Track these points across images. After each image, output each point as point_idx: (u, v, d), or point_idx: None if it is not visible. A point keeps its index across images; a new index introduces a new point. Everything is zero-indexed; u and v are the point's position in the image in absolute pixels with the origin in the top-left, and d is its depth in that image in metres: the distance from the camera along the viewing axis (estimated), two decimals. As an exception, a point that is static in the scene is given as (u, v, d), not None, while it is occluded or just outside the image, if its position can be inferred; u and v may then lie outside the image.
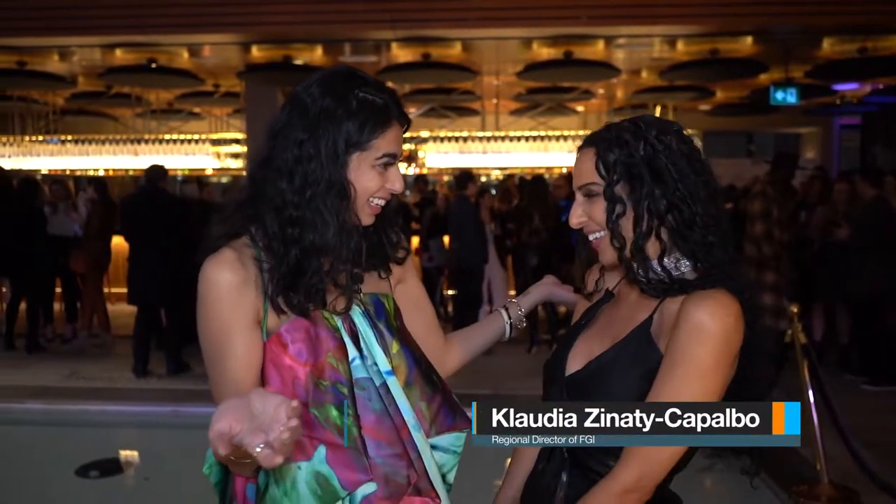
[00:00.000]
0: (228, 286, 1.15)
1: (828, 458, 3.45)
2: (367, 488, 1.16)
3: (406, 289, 1.39)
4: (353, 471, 1.14)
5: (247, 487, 1.19)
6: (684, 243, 1.16)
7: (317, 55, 8.31)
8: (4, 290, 7.27)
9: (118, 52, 8.12)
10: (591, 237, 1.24)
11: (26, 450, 4.59)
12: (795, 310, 3.62)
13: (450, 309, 7.74)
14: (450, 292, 7.69)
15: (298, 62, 8.38)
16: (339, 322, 1.21)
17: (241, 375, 1.15)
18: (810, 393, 3.49)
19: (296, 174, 1.17)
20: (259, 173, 1.21)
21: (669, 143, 1.18)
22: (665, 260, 1.18)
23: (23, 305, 6.66)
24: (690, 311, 1.10)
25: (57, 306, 7.29)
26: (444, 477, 1.28)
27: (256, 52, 8.21)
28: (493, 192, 10.16)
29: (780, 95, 7.86)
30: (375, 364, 1.22)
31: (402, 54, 8.23)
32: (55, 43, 7.79)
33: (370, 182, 1.21)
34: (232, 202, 1.26)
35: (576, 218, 1.24)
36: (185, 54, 8.38)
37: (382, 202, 1.25)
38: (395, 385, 1.22)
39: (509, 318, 1.54)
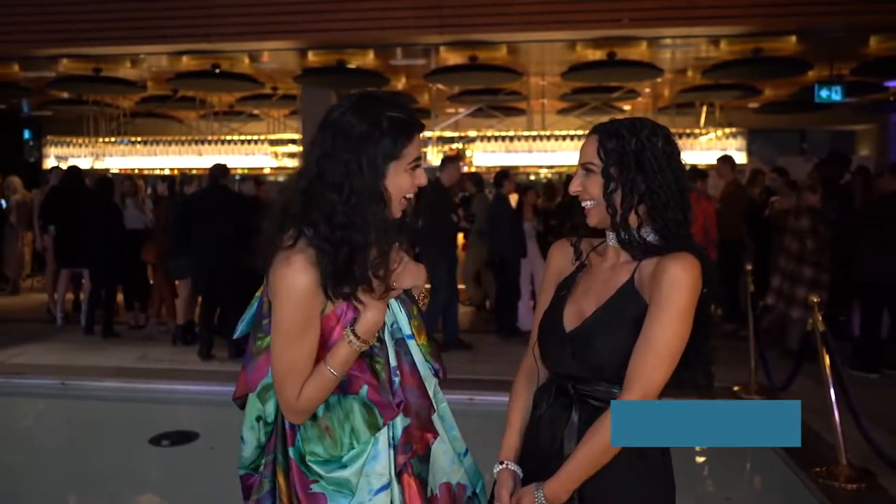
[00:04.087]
0: (306, 288, 1.41)
1: (847, 441, 3.60)
2: (404, 422, 1.51)
3: None
4: (386, 406, 1.49)
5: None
6: (659, 220, 1.48)
7: (369, 59, 8.66)
8: (84, 280, 7.82)
9: (185, 59, 8.64)
10: (584, 204, 1.55)
11: (106, 422, 5.06)
12: (816, 300, 3.78)
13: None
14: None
15: (351, 66, 8.76)
16: None
17: (312, 352, 1.46)
18: (830, 381, 3.64)
19: (344, 187, 1.43)
20: (311, 188, 1.46)
21: (656, 143, 1.49)
22: (641, 230, 1.50)
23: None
24: (668, 267, 1.41)
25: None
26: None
27: (312, 57, 8.60)
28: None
29: (824, 93, 7.84)
30: (401, 329, 1.56)
31: (450, 57, 8.50)
32: (128, 51, 8.34)
33: (405, 183, 1.50)
34: (282, 210, 1.49)
35: (574, 186, 1.55)
36: (246, 60, 8.85)
37: (411, 196, 1.55)
38: (413, 345, 1.56)
39: None
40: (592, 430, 1.44)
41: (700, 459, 4.60)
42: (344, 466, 1.47)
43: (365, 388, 1.49)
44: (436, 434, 1.56)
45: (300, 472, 1.49)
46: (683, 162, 1.53)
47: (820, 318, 3.67)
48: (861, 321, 5.74)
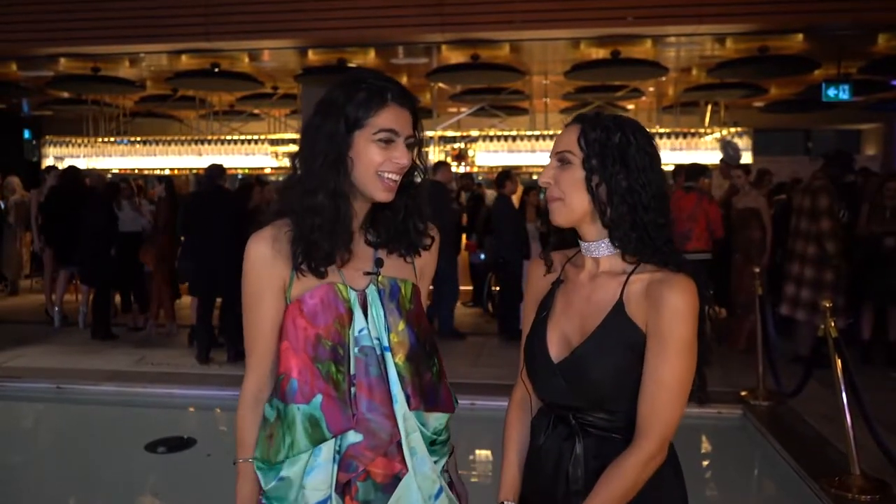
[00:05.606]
0: (262, 258, 1.40)
1: (860, 450, 3.50)
2: (354, 437, 1.38)
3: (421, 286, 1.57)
4: (339, 419, 1.37)
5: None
6: (640, 221, 1.35)
7: (370, 58, 8.58)
8: (78, 281, 7.75)
9: (184, 58, 8.57)
10: (550, 199, 1.41)
11: (101, 427, 4.98)
12: (828, 304, 3.68)
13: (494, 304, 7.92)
14: (496, 289, 7.86)
15: (352, 65, 8.68)
16: (352, 295, 1.41)
17: (265, 327, 1.43)
18: (842, 388, 3.53)
19: (308, 156, 1.40)
20: (296, 164, 1.45)
21: (640, 140, 1.37)
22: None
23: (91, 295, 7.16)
24: (666, 297, 1.29)
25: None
26: (435, 463, 1.46)
27: (313, 56, 8.53)
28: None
29: (832, 92, 7.74)
30: (378, 338, 1.41)
31: (452, 56, 8.42)
32: (126, 50, 8.26)
33: (373, 156, 1.38)
34: (280, 189, 1.51)
35: (544, 178, 1.41)
36: (246, 59, 8.77)
37: (395, 177, 1.41)
38: (390, 359, 1.41)
39: None
40: (610, 475, 1.31)
41: (706, 465, 4.51)
42: (281, 478, 1.39)
43: (319, 397, 1.37)
44: (404, 466, 1.41)
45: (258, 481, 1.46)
46: (663, 167, 1.42)
47: (832, 324, 3.57)
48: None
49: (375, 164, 1.39)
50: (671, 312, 1.29)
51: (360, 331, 1.41)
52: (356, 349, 1.40)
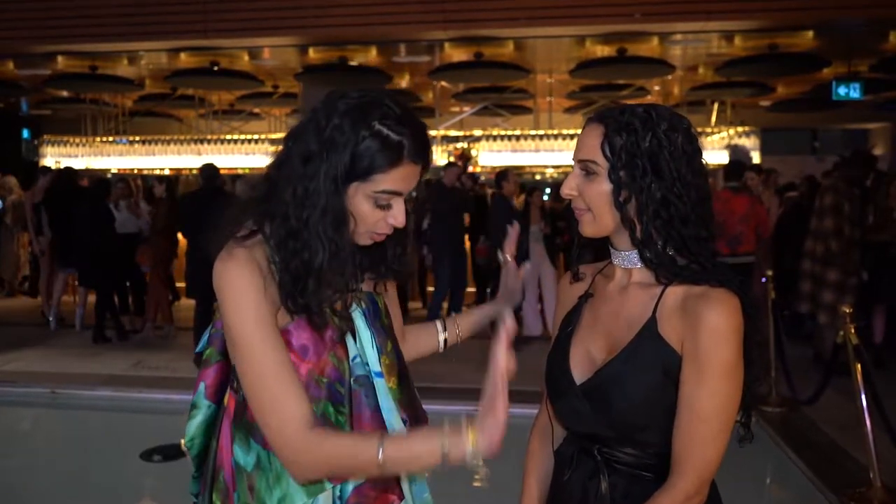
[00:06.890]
0: (253, 283, 1.15)
1: (881, 461, 3.37)
2: (357, 479, 1.21)
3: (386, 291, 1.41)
4: None
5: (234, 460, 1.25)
6: (676, 236, 1.19)
7: (371, 56, 8.46)
8: (76, 283, 7.65)
9: (183, 56, 8.46)
10: (577, 210, 1.26)
11: (96, 434, 4.86)
12: (848, 310, 3.55)
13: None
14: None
15: (353, 63, 8.56)
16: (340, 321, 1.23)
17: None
18: (863, 395, 3.41)
19: (299, 187, 1.16)
20: (275, 174, 1.21)
21: (676, 140, 1.19)
22: (666, 248, 1.21)
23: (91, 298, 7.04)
24: (704, 315, 1.13)
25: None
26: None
27: (313, 54, 8.41)
28: (548, 190, 10.19)
29: (842, 90, 7.61)
30: (367, 364, 1.24)
31: (454, 54, 8.31)
32: (125, 48, 8.16)
33: (367, 215, 1.19)
34: (247, 195, 1.26)
35: (567, 189, 1.25)
36: (246, 57, 8.66)
37: (381, 234, 1.23)
38: (381, 385, 1.25)
39: (444, 331, 1.53)
40: None
41: (719, 478, 4.37)
42: None
43: None
44: (401, 496, 1.26)
45: None
46: (705, 163, 1.23)
47: (852, 330, 3.43)
48: None
49: (368, 224, 1.20)
50: (710, 333, 1.12)
51: (353, 359, 1.23)
52: (352, 381, 1.23)
